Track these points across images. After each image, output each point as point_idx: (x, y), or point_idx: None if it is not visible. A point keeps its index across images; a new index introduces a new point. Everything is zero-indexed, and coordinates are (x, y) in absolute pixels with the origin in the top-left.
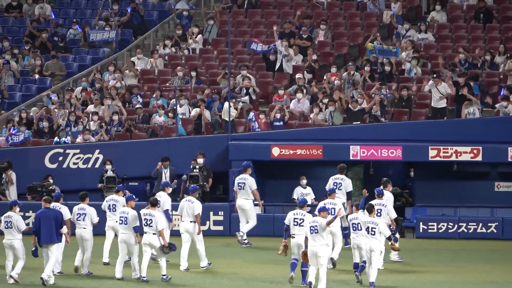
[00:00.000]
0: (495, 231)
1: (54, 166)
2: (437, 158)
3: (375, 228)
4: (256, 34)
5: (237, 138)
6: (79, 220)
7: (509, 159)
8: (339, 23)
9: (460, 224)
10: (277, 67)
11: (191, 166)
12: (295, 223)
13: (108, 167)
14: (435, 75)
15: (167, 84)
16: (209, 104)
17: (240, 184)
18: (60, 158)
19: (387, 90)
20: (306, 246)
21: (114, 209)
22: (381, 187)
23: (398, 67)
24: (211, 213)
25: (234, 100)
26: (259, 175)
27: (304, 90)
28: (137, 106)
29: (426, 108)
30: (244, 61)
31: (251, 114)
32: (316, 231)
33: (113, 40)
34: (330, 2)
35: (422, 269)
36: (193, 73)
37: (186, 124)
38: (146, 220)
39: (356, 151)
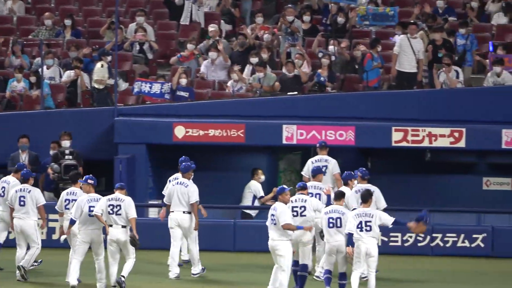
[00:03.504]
0: (482, 245)
1: None
2: (404, 144)
3: (370, 221)
4: None
5: (127, 113)
6: (68, 209)
7: (503, 146)
8: None
9: (434, 235)
10: (185, 17)
11: (54, 152)
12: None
13: None
14: (412, 22)
15: (30, 37)
16: (88, 65)
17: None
18: None
19: (335, 49)
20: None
21: None
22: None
23: (354, 19)
24: None
25: (109, 59)
26: (156, 164)
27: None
28: None
29: (389, 74)
30: (138, 5)
31: (138, 83)
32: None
33: None
34: None
35: None
36: (67, 22)
37: (56, 92)
38: (112, 207)
39: (292, 133)
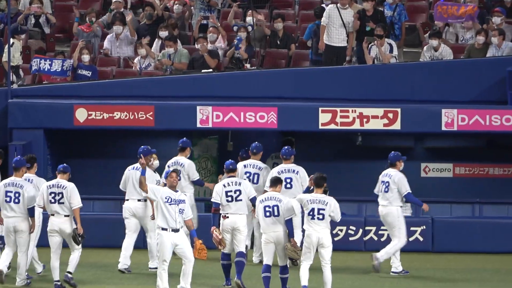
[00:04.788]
0: (420, 239)
1: None
2: (332, 126)
3: (323, 209)
4: None
5: (22, 94)
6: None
7: (443, 128)
8: None
9: (366, 228)
10: None
11: None
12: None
13: None
14: None
15: None
16: None
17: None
18: None
19: (253, 21)
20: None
21: None
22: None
23: None
24: None
25: (22, 37)
26: (55, 152)
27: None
28: None
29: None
30: None
31: (36, 60)
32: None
33: None
34: None
35: None
36: None
37: None
38: (53, 195)
39: (207, 115)
